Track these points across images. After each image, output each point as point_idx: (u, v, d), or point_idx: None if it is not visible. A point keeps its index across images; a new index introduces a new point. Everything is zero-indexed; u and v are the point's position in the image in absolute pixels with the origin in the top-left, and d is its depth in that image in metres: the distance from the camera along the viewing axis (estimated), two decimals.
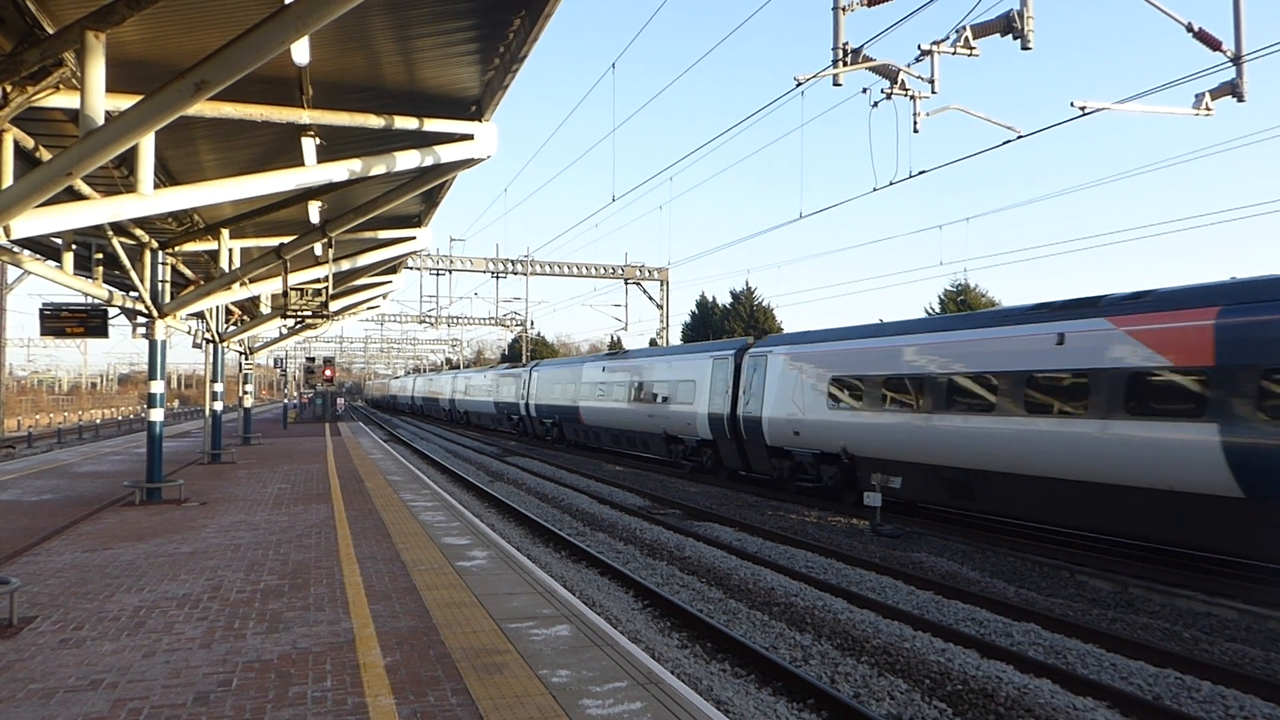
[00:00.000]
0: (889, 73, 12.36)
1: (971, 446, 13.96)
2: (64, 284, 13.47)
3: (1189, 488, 10.77)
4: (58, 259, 14.12)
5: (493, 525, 15.52)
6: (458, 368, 71.47)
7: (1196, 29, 11.85)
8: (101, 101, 6.53)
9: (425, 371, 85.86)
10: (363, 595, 7.66)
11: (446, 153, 10.07)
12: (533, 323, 58.62)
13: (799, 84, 12.36)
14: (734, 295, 54.43)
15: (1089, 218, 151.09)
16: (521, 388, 39.78)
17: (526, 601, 7.45)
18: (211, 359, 22.31)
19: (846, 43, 11.86)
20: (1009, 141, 12.96)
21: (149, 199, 8.83)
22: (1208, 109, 12.21)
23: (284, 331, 32.98)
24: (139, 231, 13.87)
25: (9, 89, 6.98)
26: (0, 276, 34.80)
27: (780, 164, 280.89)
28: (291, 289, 15.27)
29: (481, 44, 8.54)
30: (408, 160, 9.92)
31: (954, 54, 11.58)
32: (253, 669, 5.71)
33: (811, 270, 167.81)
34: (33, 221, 8.00)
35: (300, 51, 7.50)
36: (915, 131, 12.53)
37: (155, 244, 14.46)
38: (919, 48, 11.92)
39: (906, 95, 12.44)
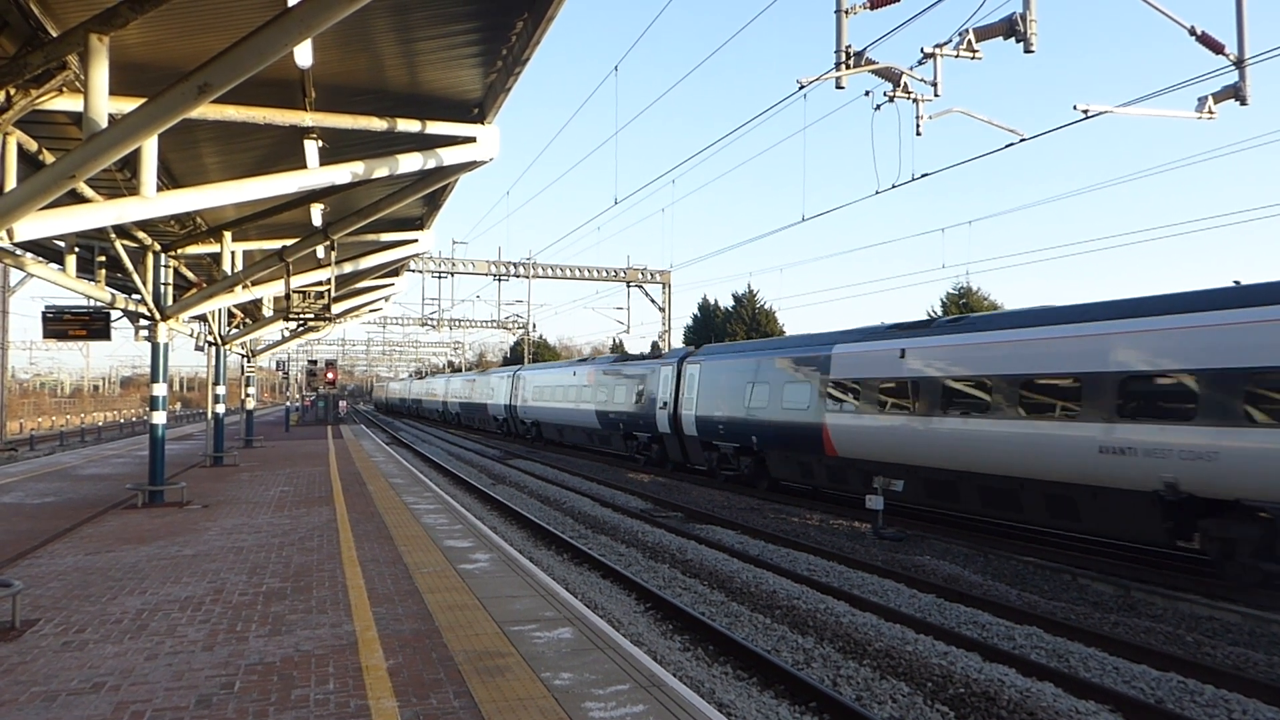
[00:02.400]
0: (892, 75, 12.36)
1: None
2: (67, 287, 13.51)
3: None
4: (60, 262, 14.17)
5: (495, 528, 15.51)
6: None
7: (1199, 32, 11.83)
8: (105, 104, 6.54)
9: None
10: (365, 598, 7.66)
11: (449, 155, 10.08)
12: (535, 325, 58.51)
13: (802, 86, 12.36)
14: (736, 298, 54.48)
15: (1091, 221, 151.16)
16: (660, 390, 25.77)
17: (529, 604, 7.44)
18: (214, 362, 22.33)
19: (849, 45, 11.86)
20: (1012, 144, 12.97)
21: (152, 202, 8.85)
22: (1211, 112, 12.18)
23: (286, 334, 33.02)
24: (141, 234, 13.89)
25: (12, 92, 7.00)
26: (3, 279, 34.87)
27: (783, 167, 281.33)
28: (294, 291, 15.30)
29: (484, 46, 8.55)
30: (410, 163, 9.93)
31: (957, 57, 11.57)
32: (255, 671, 5.71)
33: (814, 273, 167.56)
34: (36, 224, 8.02)
35: (303, 54, 7.52)
36: (918, 134, 12.52)
37: (158, 247, 14.49)
38: (922, 50, 11.91)
39: (909, 98, 12.44)
